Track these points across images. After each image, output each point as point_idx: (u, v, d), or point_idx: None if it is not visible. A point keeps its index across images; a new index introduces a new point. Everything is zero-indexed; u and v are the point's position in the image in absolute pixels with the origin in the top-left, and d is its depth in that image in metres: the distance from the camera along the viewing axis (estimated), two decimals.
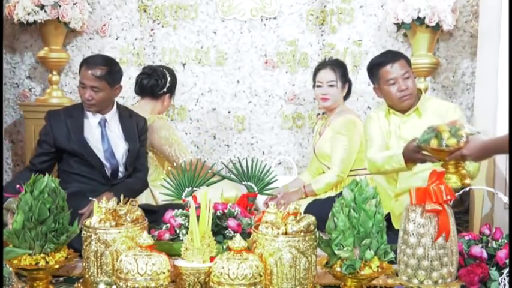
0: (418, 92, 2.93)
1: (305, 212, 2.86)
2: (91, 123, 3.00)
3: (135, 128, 3.10)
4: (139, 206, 2.30)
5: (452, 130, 2.26)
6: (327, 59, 3.53)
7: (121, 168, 3.02)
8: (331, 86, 3.34)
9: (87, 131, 2.97)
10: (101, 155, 2.97)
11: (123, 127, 3.06)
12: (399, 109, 2.91)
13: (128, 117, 3.10)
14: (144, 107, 3.40)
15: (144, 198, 3.21)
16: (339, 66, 3.39)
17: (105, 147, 2.99)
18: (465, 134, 2.24)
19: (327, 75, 3.34)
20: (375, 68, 2.91)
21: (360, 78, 3.96)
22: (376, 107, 3.95)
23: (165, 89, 3.42)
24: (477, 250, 2.11)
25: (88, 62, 2.94)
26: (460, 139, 2.23)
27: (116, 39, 4.12)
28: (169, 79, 3.45)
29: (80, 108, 3.02)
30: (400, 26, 3.73)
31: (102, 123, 3.01)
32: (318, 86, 3.37)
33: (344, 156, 3.21)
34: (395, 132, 2.90)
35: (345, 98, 3.45)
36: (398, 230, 1.99)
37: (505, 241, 2.16)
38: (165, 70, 3.46)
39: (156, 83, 3.40)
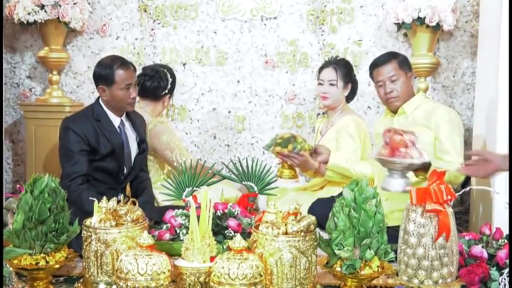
0: (418, 92, 2.99)
1: (309, 211, 2.88)
2: (115, 126, 2.92)
3: (141, 127, 3.07)
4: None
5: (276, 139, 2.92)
6: (332, 58, 3.50)
7: (133, 172, 2.99)
8: (332, 85, 3.32)
9: (116, 134, 2.89)
10: (121, 159, 2.90)
11: (135, 128, 3.00)
12: (390, 110, 3.02)
13: (134, 116, 3.04)
14: (144, 108, 3.37)
15: None
16: (342, 66, 3.36)
17: (126, 150, 2.92)
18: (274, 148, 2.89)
19: (328, 74, 3.34)
20: (371, 68, 3.04)
21: (360, 78, 3.93)
22: (377, 107, 3.97)
23: (166, 91, 3.42)
24: (477, 250, 2.11)
25: (121, 62, 2.83)
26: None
27: (116, 39, 4.12)
28: (170, 80, 3.43)
29: (101, 110, 2.87)
30: (400, 26, 3.73)
31: (122, 126, 2.94)
32: (320, 84, 3.38)
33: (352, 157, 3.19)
34: None
35: (350, 98, 3.44)
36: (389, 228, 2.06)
37: (505, 241, 2.16)
38: (165, 70, 3.44)
39: (159, 85, 3.36)
